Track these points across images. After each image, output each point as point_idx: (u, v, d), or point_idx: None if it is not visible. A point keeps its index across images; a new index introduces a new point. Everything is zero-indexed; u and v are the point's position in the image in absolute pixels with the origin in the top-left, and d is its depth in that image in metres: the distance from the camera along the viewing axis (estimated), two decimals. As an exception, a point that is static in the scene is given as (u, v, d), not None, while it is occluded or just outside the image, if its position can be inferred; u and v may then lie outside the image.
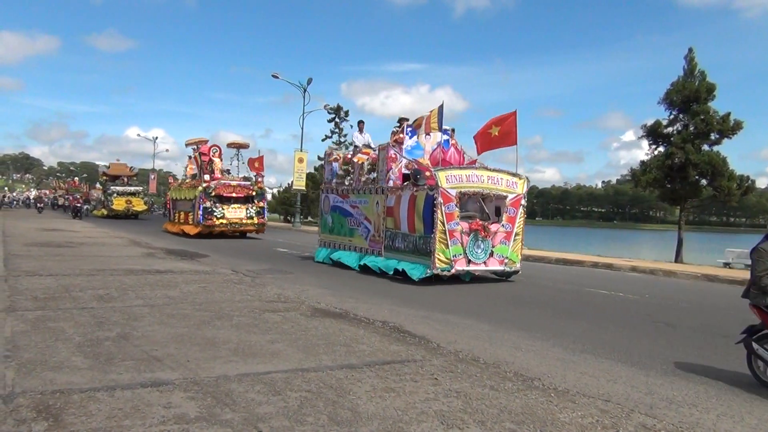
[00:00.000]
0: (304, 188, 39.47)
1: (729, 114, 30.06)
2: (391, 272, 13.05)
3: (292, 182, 41.56)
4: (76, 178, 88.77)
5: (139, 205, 44.67)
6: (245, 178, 26.55)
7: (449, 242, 11.96)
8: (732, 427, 4.44)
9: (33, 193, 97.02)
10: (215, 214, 24.41)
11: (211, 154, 26.57)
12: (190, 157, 28.53)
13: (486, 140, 13.49)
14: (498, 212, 12.93)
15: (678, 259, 30.13)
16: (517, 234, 12.99)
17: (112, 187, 44.69)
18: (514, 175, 13.12)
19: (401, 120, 15.25)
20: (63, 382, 4.71)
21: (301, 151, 38.99)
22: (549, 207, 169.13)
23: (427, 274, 11.92)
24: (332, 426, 4.03)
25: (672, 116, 31.84)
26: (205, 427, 3.91)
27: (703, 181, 31.28)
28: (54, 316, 7.33)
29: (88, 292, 9.23)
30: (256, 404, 4.38)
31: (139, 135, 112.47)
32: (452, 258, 12.03)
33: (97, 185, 72.71)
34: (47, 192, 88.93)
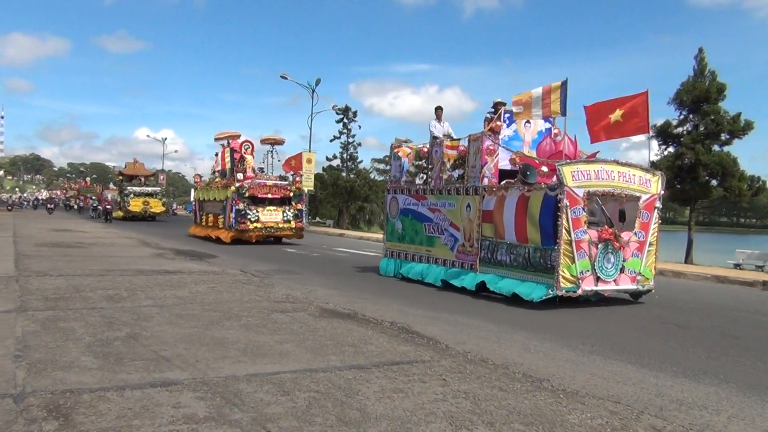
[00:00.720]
0: (312, 189, 39.52)
1: (739, 114, 29.90)
2: (500, 292, 10.48)
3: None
4: (88, 179, 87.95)
5: (156, 206, 42.52)
6: (281, 178, 24.06)
7: (575, 255, 9.64)
8: (743, 429, 4.40)
9: (43, 194, 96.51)
10: (249, 217, 21.88)
11: (243, 150, 24.00)
12: (217, 154, 26.01)
13: (605, 127, 11.09)
14: (622, 217, 10.77)
15: (688, 259, 29.96)
16: (651, 244, 10.63)
17: (128, 188, 42.63)
18: (648, 170, 10.89)
19: (497, 104, 12.56)
20: (73, 382, 4.73)
21: (310, 151, 39.08)
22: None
23: (549, 296, 9.57)
24: (341, 426, 4.03)
25: (682, 116, 31.69)
26: (214, 427, 3.92)
27: (714, 182, 31.11)
28: (64, 316, 7.37)
29: (97, 292, 9.28)
30: (264, 404, 4.38)
31: (148, 136, 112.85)
32: (579, 275, 9.71)
33: (111, 185, 72.44)
34: (58, 193, 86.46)
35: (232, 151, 23.73)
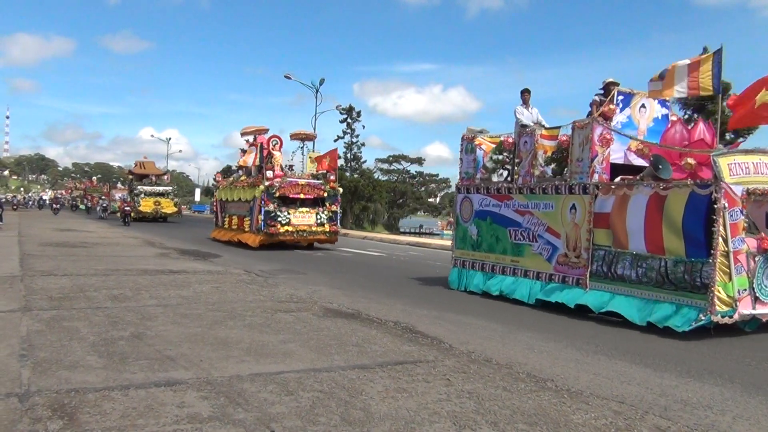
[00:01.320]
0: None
1: (744, 114, 29.80)
2: (621, 314, 8.53)
3: (304, 183, 41.69)
4: (94, 178, 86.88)
5: (168, 206, 40.51)
6: (313, 176, 21.66)
7: (733, 270, 7.55)
8: (748, 430, 4.39)
9: (48, 194, 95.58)
10: (280, 219, 19.68)
11: (271, 146, 21.52)
12: (243, 150, 23.82)
13: (747, 112, 9.31)
14: None
15: (692, 259, 29.89)
16: None
17: (138, 187, 40.68)
18: None
19: (609, 85, 10.58)
20: (78, 381, 4.75)
21: (314, 151, 39.07)
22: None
23: (701, 323, 7.54)
24: (344, 426, 4.04)
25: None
26: (218, 426, 3.93)
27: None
28: (69, 315, 7.40)
29: (102, 291, 9.31)
30: (268, 404, 4.39)
31: (152, 136, 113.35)
32: (737, 295, 7.59)
33: (119, 185, 71.03)
34: (63, 192, 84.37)
35: (261, 147, 21.32)
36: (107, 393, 4.49)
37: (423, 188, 77.02)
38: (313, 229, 20.42)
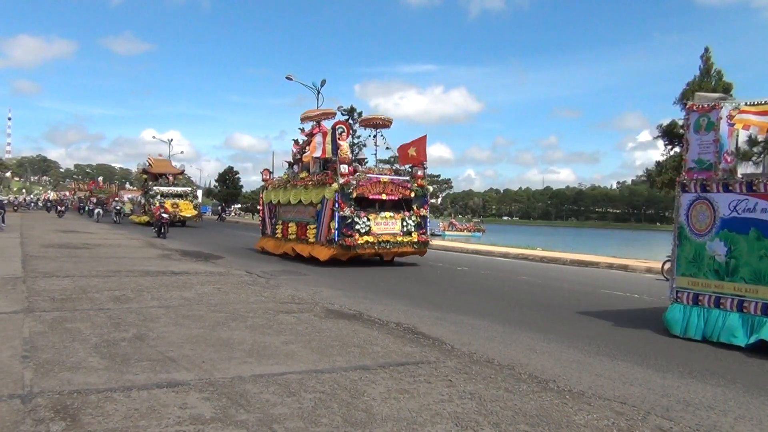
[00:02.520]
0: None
1: (746, 114, 29.73)
2: None
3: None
4: (100, 179, 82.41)
5: (187, 209, 35.72)
6: (396, 171, 17.19)
7: None
8: (750, 430, 4.38)
9: (51, 195, 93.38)
10: (358, 227, 15.24)
11: (337, 134, 16.75)
12: (296, 141, 19.73)
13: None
14: None
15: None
16: None
17: (154, 188, 36.03)
18: None
19: None
20: (80, 383, 4.76)
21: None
22: (564, 208, 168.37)
23: None
24: (346, 427, 4.04)
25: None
26: (220, 427, 3.93)
27: (721, 182, 30.94)
28: (71, 317, 7.41)
29: (104, 293, 9.32)
30: (270, 405, 4.39)
31: (154, 137, 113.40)
32: None
33: (127, 185, 69.13)
34: (67, 194, 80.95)
35: (334, 133, 16.15)
36: (109, 394, 4.50)
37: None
38: (399, 239, 15.85)
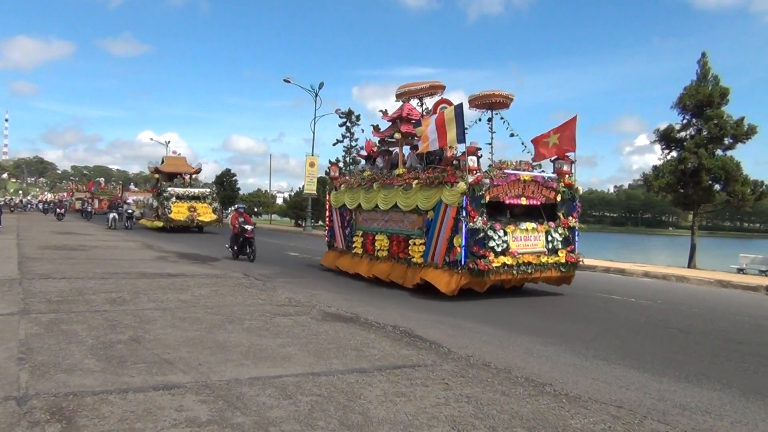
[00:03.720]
0: (315, 192, 39.55)
1: (743, 119, 29.83)
2: None
3: (303, 186, 41.67)
4: (102, 179, 78.56)
5: (206, 213, 31.65)
6: (530, 166, 12.29)
7: None
8: (746, 435, 4.39)
9: (48, 196, 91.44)
10: (494, 244, 10.89)
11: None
12: (376, 128, 15.42)
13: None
14: None
15: (691, 264, 29.87)
16: None
17: (168, 189, 31.76)
18: None
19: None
20: (76, 385, 4.75)
21: (313, 155, 39.10)
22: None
23: None
24: (343, 430, 4.04)
25: (685, 121, 31.61)
26: (217, 430, 3.93)
27: (717, 186, 31.00)
28: (67, 318, 7.39)
29: (101, 295, 9.30)
30: (267, 408, 4.39)
31: (152, 139, 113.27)
32: None
33: (131, 186, 61.60)
34: (65, 195, 76.65)
35: (460, 112, 10.87)
36: (105, 396, 4.49)
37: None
38: (543, 260, 11.48)
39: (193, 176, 35.22)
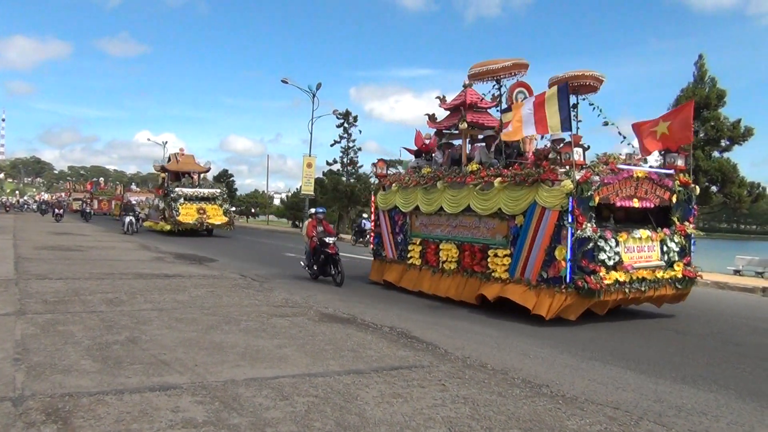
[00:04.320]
0: (312, 193, 39.54)
1: (740, 121, 29.90)
2: None
3: (300, 187, 41.65)
4: (101, 179, 76.09)
5: (216, 215, 29.40)
6: (639, 160, 10.32)
7: None
8: (742, 436, 4.40)
9: (45, 196, 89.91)
10: (604, 257, 8.87)
11: (513, 100, 11.17)
12: (431, 117, 12.72)
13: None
14: None
15: (688, 266, 29.92)
16: None
17: (176, 190, 29.29)
18: None
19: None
20: (72, 386, 4.73)
21: (310, 156, 39.09)
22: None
23: None
24: (339, 431, 4.03)
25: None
26: (213, 431, 3.92)
27: (713, 188, 31.09)
28: (63, 319, 7.37)
29: (97, 295, 9.28)
30: (263, 409, 4.38)
31: (149, 139, 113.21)
32: None
33: (133, 186, 59.36)
34: (63, 195, 75.06)
35: (566, 90, 9.12)
36: (101, 397, 4.48)
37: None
38: (659, 275, 9.44)
39: (202, 176, 32.34)
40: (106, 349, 5.96)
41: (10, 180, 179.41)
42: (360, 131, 52.24)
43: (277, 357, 5.99)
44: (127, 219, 28.43)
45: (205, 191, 30.22)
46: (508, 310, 9.63)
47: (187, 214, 28.48)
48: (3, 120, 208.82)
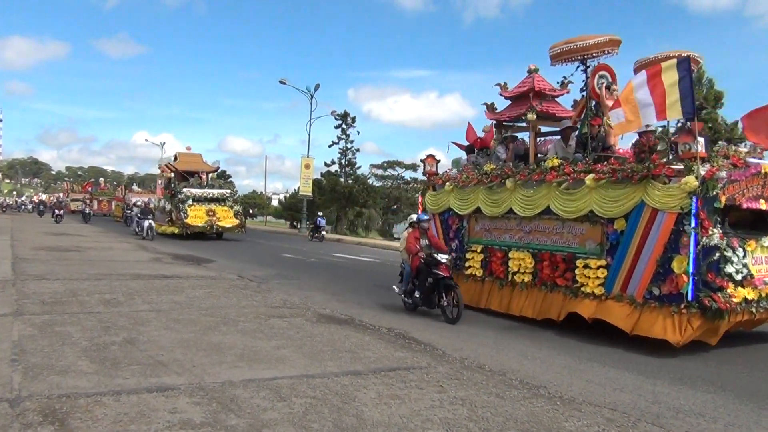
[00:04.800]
0: (310, 194, 39.54)
1: (737, 122, 29.98)
2: None
3: (298, 188, 41.64)
4: (102, 179, 73.37)
5: (226, 218, 27.46)
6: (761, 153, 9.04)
7: None
8: (739, 438, 4.40)
9: (44, 197, 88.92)
10: (732, 270, 7.19)
11: (597, 84, 9.62)
12: (491, 106, 11.45)
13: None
14: None
15: (685, 267, 29.97)
16: None
17: (184, 190, 27.46)
18: None
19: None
20: (69, 387, 4.73)
21: (308, 157, 39.12)
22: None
23: None
24: (337, 432, 4.03)
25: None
26: (210, 432, 3.92)
27: (711, 190, 31.20)
28: (61, 320, 7.36)
29: (94, 296, 9.26)
30: (261, 410, 4.38)
31: (147, 140, 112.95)
32: None
33: (134, 187, 56.83)
34: (61, 195, 71.36)
35: (681, 69, 7.40)
36: (99, 398, 4.47)
37: (417, 194, 77.18)
38: None
39: (211, 176, 30.06)
40: (104, 350, 5.94)
41: (8, 181, 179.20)
42: (358, 132, 52.26)
43: (274, 358, 5.98)
44: (146, 223, 25.46)
45: (215, 192, 28.19)
46: (502, 313, 9.62)
47: (196, 216, 26.63)
48: (0, 120, 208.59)
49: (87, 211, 43.45)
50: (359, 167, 56.65)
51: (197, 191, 27.61)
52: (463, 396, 4.98)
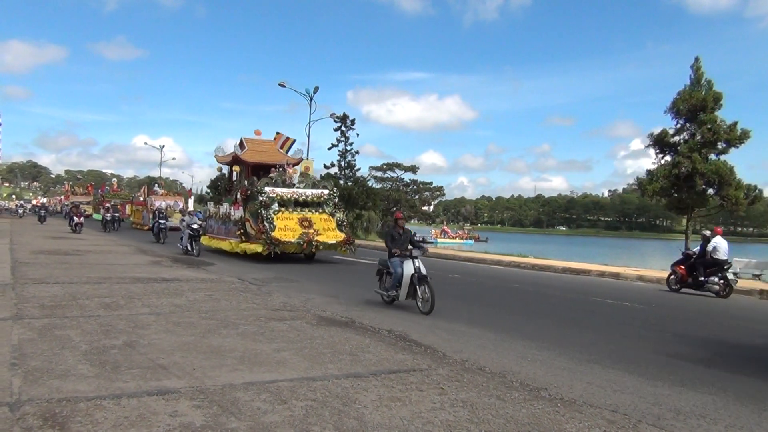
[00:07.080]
0: (310, 196, 39.46)
1: (736, 123, 30.01)
2: None
3: (298, 191, 41.53)
4: (114, 181, 67.44)
5: (327, 230, 19.27)
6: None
7: None
8: (741, 439, 4.39)
9: (43, 200, 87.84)
10: None
11: None
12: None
13: None
14: None
15: (685, 268, 29.92)
16: None
17: (267, 190, 19.27)
18: None
19: None
20: (69, 390, 4.72)
21: (308, 159, 39.10)
22: (555, 216, 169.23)
23: None
24: (338, 435, 4.02)
25: (679, 125, 31.77)
26: (211, 435, 3.91)
27: (710, 191, 31.17)
28: (60, 324, 7.35)
29: (94, 300, 9.25)
30: (261, 413, 4.37)
31: (146, 143, 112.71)
32: None
33: (155, 188, 45.77)
34: (61, 198, 67.55)
35: None
36: (99, 402, 4.46)
37: (417, 196, 77.37)
38: None
39: (292, 169, 21.20)
40: (104, 354, 5.94)
41: (7, 184, 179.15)
42: (357, 134, 52.25)
43: (275, 361, 5.97)
44: (186, 234, 20.10)
45: (308, 192, 20.12)
46: (507, 313, 9.64)
47: (287, 228, 18.48)
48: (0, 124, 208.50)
49: (109, 218, 34.97)
50: (359, 169, 56.60)
51: (286, 191, 19.60)
52: (463, 398, 4.98)
